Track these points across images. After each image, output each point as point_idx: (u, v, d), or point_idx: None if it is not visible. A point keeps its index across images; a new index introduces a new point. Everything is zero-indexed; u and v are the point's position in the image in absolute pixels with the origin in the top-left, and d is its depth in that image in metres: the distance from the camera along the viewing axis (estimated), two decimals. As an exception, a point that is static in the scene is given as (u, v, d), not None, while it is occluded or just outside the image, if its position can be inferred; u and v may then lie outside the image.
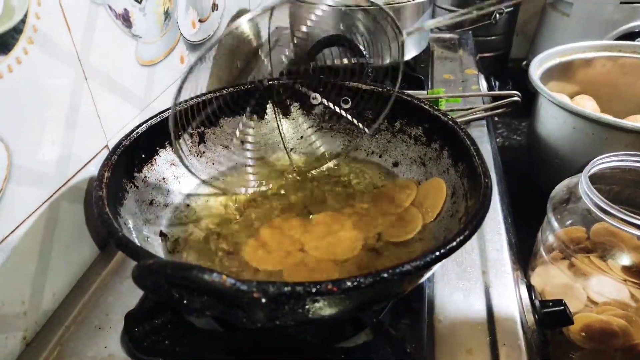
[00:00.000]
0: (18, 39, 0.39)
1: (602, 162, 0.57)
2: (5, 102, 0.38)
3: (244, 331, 0.38)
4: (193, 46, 0.70)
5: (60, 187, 0.46)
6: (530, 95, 0.84)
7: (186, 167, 0.47)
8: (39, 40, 0.41)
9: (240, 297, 0.27)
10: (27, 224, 0.42)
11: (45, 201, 0.44)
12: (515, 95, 0.70)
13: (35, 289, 0.43)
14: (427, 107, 0.49)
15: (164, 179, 0.48)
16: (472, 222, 0.34)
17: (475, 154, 0.41)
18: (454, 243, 0.32)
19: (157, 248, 0.43)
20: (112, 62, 0.52)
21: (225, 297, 0.27)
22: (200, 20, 0.72)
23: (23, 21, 0.39)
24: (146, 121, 0.47)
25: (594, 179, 0.57)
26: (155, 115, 0.48)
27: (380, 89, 0.52)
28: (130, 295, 0.46)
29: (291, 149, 0.56)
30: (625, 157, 0.57)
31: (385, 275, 0.30)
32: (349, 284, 0.29)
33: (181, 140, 0.48)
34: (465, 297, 0.45)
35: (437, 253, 0.31)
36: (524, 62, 1.25)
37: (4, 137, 0.38)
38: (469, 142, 0.43)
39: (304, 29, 0.53)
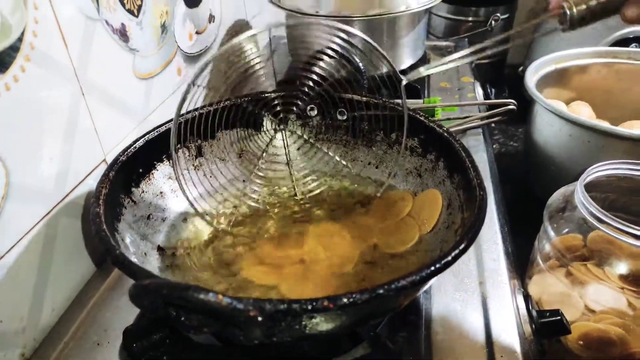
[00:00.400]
0: (15, 57, 0.39)
1: (597, 171, 0.57)
2: (2, 120, 0.38)
3: (241, 346, 0.38)
4: (190, 58, 0.71)
5: (59, 203, 0.46)
6: (527, 102, 0.84)
7: (187, 198, 0.47)
8: (36, 58, 0.41)
9: (237, 316, 0.27)
10: (25, 240, 0.42)
11: (44, 217, 0.44)
12: (511, 104, 0.71)
13: (34, 305, 0.44)
14: (422, 118, 0.49)
15: (161, 193, 0.49)
16: (467, 236, 0.34)
17: (470, 166, 0.42)
18: (449, 257, 0.32)
19: (155, 263, 0.43)
20: (109, 76, 0.52)
21: (222, 315, 0.27)
22: (197, 32, 0.72)
23: (20, 39, 0.39)
24: (143, 136, 0.47)
25: (590, 187, 0.57)
26: (153, 130, 0.48)
27: (375, 100, 0.52)
28: (128, 311, 0.46)
29: (288, 161, 0.57)
30: (620, 165, 0.57)
31: (381, 291, 0.30)
32: (344, 300, 0.29)
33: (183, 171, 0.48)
34: (462, 308, 0.45)
35: (432, 268, 0.32)
36: (520, 68, 1.26)
37: (1, 156, 0.38)
38: (464, 154, 0.43)
39: (300, 40, 0.53)
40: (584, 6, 0.45)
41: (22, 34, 0.39)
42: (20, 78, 0.40)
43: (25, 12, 0.40)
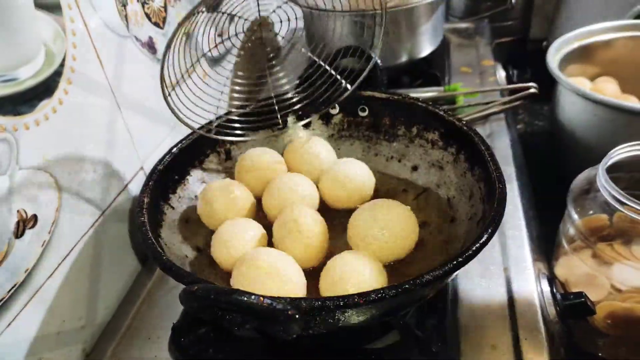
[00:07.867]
0: (59, 82, 0.42)
1: (620, 153, 0.57)
2: (51, 141, 0.42)
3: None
4: (214, 60, 0.73)
5: (106, 209, 0.50)
6: (551, 80, 0.83)
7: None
8: (77, 80, 0.45)
9: (277, 315, 0.30)
10: (79, 246, 0.46)
11: (93, 224, 0.48)
12: (532, 87, 0.71)
13: (90, 304, 0.48)
14: (441, 112, 0.50)
15: (196, 197, 0.52)
16: (487, 230, 0.36)
17: (489, 159, 0.43)
18: (470, 251, 0.34)
19: (195, 263, 0.47)
20: (141, 88, 0.55)
21: (264, 314, 0.30)
22: (219, 35, 0.75)
23: (62, 64, 0.43)
24: (177, 144, 0.51)
25: (615, 168, 0.57)
26: (185, 138, 0.51)
27: (395, 97, 0.54)
28: (175, 305, 0.50)
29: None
30: (643, 146, 0.57)
31: (407, 286, 0.32)
32: (373, 296, 0.32)
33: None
34: (488, 294, 0.47)
35: (455, 262, 0.34)
36: (544, 43, 1.23)
37: (52, 172, 0.42)
38: (483, 148, 0.44)
39: (319, 37, 0.55)
40: None
41: (64, 59, 0.43)
42: (64, 100, 0.43)
43: (65, 39, 0.43)
